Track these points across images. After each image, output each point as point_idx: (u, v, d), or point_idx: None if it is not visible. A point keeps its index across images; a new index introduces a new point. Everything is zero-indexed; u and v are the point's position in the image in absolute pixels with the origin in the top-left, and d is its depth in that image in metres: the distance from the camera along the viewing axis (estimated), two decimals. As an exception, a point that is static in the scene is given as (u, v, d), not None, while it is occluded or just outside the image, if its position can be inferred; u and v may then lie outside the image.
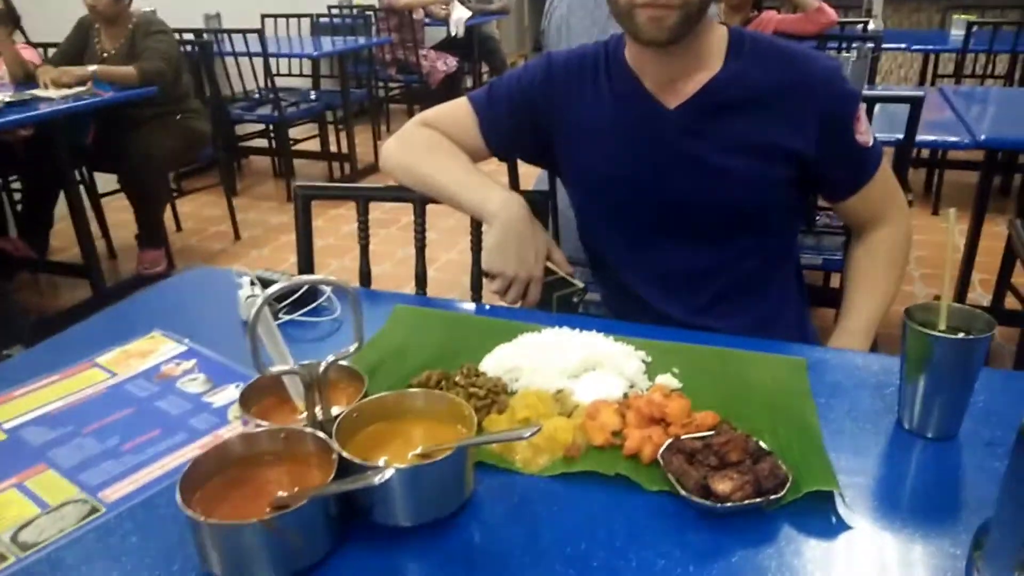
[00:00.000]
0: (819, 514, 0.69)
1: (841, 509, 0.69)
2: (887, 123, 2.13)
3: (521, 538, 0.68)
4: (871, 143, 1.12)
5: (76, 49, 3.19)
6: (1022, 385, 0.88)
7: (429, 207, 1.26)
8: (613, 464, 0.76)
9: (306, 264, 1.31)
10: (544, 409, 0.83)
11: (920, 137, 1.99)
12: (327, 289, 1.14)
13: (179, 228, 3.88)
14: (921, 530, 0.67)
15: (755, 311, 1.15)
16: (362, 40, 4.76)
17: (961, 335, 0.77)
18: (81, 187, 3.18)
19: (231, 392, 0.92)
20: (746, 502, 0.68)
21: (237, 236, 3.76)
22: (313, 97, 4.46)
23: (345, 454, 0.66)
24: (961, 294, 2.45)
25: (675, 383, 0.90)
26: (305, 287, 1.11)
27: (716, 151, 1.08)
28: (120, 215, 3.76)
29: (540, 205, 1.25)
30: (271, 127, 4.52)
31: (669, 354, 0.96)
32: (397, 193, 1.25)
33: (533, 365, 0.91)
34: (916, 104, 1.83)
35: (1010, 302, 2.46)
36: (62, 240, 3.53)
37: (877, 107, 2.08)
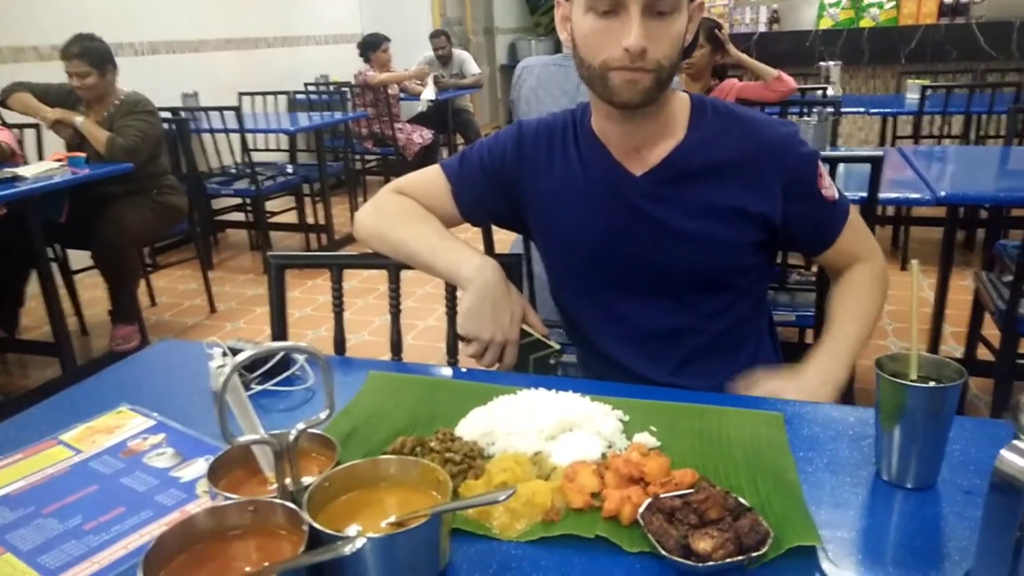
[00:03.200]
0: (802, 570, 0.68)
1: (824, 564, 0.68)
2: (851, 183, 2.19)
3: (500, 607, 0.66)
4: (836, 196, 1.15)
5: (59, 102, 3.20)
6: (996, 432, 0.89)
7: (406, 275, 1.26)
8: (592, 526, 0.74)
9: (280, 333, 1.29)
10: (521, 473, 0.82)
11: (883, 195, 2.05)
12: (300, 358, 1.13)
13: (153, 303, 3.85)
14: (906, 583, 0.66)
15: (729, 369, 1.16)
16: (338, 115, 4.85)
17: (932, 384, 0.78)
18: (54, 264, 3.15)
19: (200, 466, 0.89)
20: (727, 560, 0.66)
21: (213, 309, 3.73)
22: (290, 171, 4.50)
23: (316, 525, 0.64)
24: (934, 346, 2.48)
25: (653, 441, 0.89)
26: (278, 356, 1.10)
27: (682, 217, 1.11)
28: (93, 292, 3.72)
29: (514, 268, 1.26)
30: (248, 201, 4.55)
31: (646, 412, 0.96)
32: (372, 260, 1.25)
33: (509, 428, 0.90)
34: (876, 163, 1.89)
35: (982, 352, 2.49)
36: (33, 318, 3.48)
37: (840, 167, 2.15)
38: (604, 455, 0.87)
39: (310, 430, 0.77)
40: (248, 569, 0.64)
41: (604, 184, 1.14)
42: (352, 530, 0.68)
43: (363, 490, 0.74)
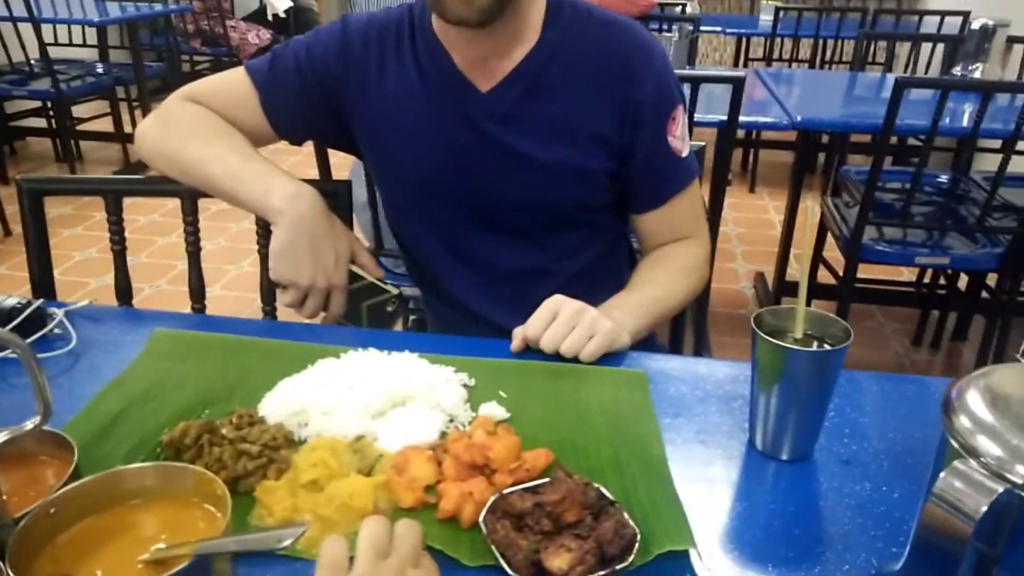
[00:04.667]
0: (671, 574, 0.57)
1: (698, 567, 0.58)
2: (707, 104, 2.11)
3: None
4: (685, 153, 1.00)
5: None
6: (871, 387, 0.82)
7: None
8: (425, 533, 0.60)
9: (43, 278, 1.02)
10: (337, 466, 0.65)
11: (741, 118, 1.99)
12: (58, 313, 0.88)
13: (-70, 224, 3.26)
14: (788, 585, 0.57)
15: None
16: (158, 7, 4.22)
17: (815, 346, 0.68)
18: None
19: None
20: (587, 578, 0.54)
21: (7, 232, 3.21)
22: (100, 70, 3.90)
23: (17, 584, 0.45)
24: (782, 270, 2.52)
25: (502, 413, 0.75)
26: (27, 311, 0.85)
27: (532, 141, 0.95)
28: None
29: (342, 197, 1.06)
30: (49, 104, 3.92)
31: (495, 374, 0.82)
32: (159, 187, 1.00)
33: (326, 405, 0.73)
34: (738, 85, 1.81)
35: (823, 275, 2.57)
36: None
37: (700, 88, 2.06)
38: (444, 433, 0.72)
39: (44, 428, 0.56)
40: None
41: (445, 100, 0.95)
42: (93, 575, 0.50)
43: (109, 512, 0.54)
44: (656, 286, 0.99)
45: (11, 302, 0.86)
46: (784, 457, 0.70)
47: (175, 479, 0.56)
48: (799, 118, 2.06)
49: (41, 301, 0.88)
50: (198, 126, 0.97)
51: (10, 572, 0.45)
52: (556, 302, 0.86)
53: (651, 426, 0.74)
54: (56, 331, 0.87)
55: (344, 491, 0.62)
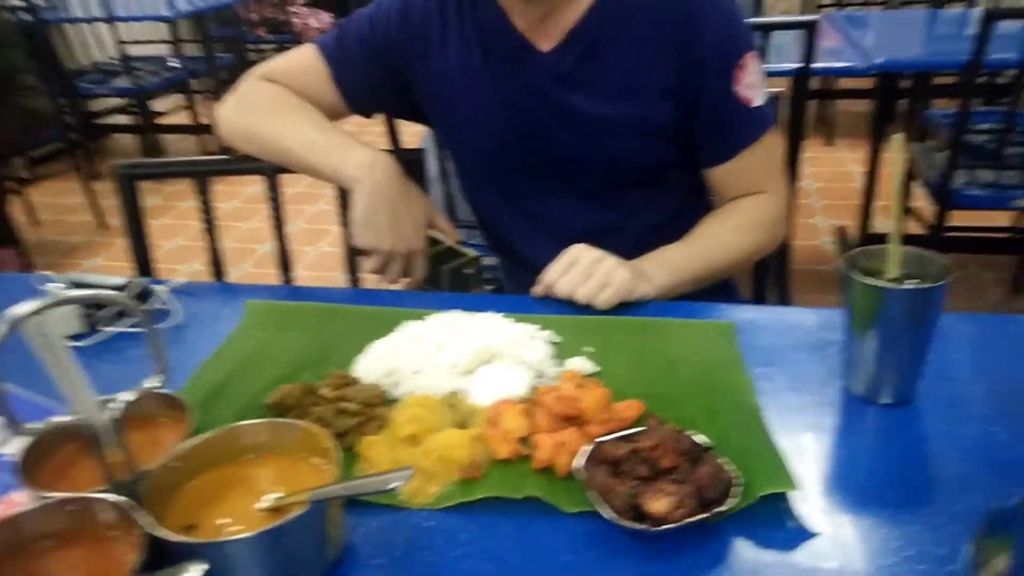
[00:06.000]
0: (773, 520, 0.57)
1: (799, 510, 0.57)
2: (775, 54, 2.03)
3: (409, 603, 0.52)
4: (756, 102, 0.95)
5: None
6: (972, 329, 0.79)
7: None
8: (521, 484, 0.61)
9: (142, 259, 1.08)
10: (433, 420, 0.67)
11: (816, 65, 1.91)
12: (161, 290, 0.93)
13: (35, 221, 3.46)
14: (897, 528, 0.55)
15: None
16: (224, -2, 4.33)
17: (914, 284, 0.65)
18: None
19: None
20: (687, 521, 0.54)
21: (103, 225, 3.38)
22: (175, 64, 4.04)
23: (150, 529, 0.48)
24: (864, 223, 2.43)
25: (590, 367, 0.76)
26: (137, 290, 0.90)
27: (595, 99, 0.93)
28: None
29: (416, 165, 1.08)
30: (132, 101, 4.09)
31: (580, 331, 0.82)
32: (243, 165, 1.04)
33: (417, 364, 0.75)
34: (811, 28, 1.74)
35: (910, 225, 2.46)
36: None
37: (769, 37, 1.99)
38: (533, 389, 0.73)
39: (160, 391, 0.60)
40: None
41: (505, 62, 0.94)
42: (217, 523, 0.53)
43: (227, 466, 0.58)
44: (709, 240, 0.97)
45: (119, 281, 0.91)
46: (885, 401, 0.68)
47: (285, 434, 0.59)
48: (879, 60, 1.96)
49: (146, 280, 0.92)
50: (274, 103, 1.00)
51: (148, 510, 0.49)
52: (576, 251, 0.88)
53: (741, 376, 0.73)
54: (162, 306, 0.92)
55: (441, 443, 0.63)
